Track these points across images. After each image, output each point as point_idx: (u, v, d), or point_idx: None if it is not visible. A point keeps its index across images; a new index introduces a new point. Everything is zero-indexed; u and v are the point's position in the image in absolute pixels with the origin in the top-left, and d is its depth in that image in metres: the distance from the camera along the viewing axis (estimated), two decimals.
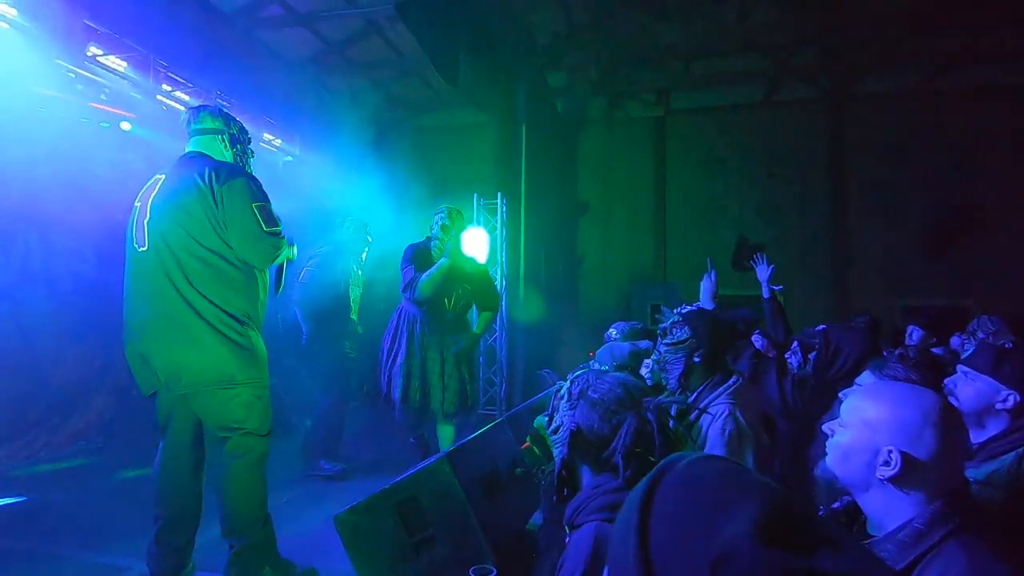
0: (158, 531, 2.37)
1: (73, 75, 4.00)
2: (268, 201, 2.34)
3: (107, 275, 4.71)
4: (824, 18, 6.79)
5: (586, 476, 1.42)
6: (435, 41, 4.11)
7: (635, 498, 0.57)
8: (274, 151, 6.05)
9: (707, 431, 1.75)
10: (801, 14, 6.75)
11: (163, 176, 2.36)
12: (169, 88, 4.75)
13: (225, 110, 2.55)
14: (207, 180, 2.25)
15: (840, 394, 1.57)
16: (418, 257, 3.56)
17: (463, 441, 2.73)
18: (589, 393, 1.38)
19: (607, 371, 1.47)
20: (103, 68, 4.23)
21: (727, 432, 1.76)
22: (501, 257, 5.99)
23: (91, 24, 4.01)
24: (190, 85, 4.85)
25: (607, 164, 8.37)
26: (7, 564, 2.71)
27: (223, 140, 2.44)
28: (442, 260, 3.48)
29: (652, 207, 8.30)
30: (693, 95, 8.16)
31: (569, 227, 8.10)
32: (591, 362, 2.71)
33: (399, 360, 3.57)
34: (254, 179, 2.36)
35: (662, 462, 0.60)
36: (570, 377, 1.54)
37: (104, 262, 4.73)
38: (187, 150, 2.42)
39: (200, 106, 2.55)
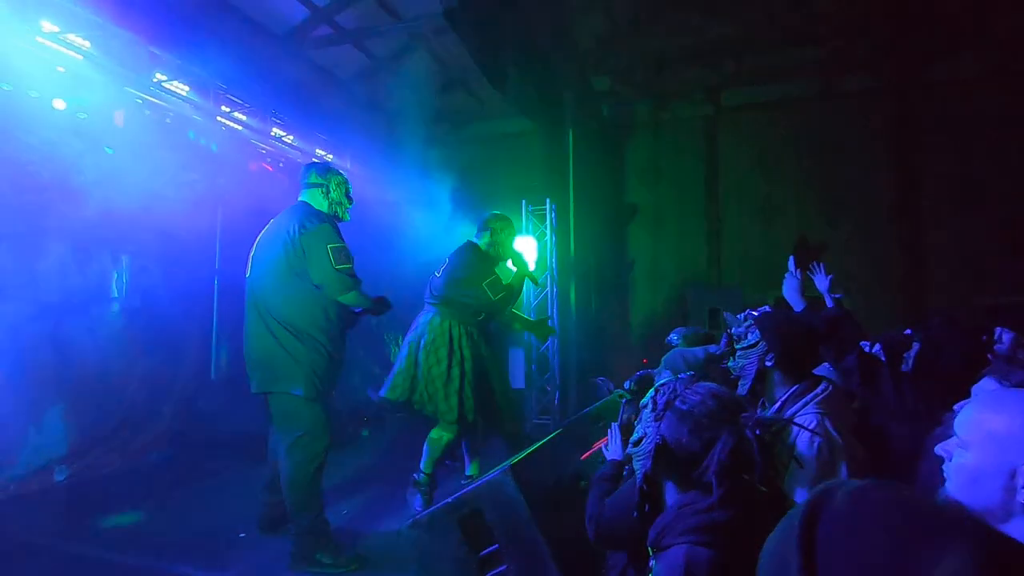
0: (264, 484, 3.19)
1: (141, 100, 4.20)
2: (343, 244, 2.90)
3: (172, 292, 4.93)
4: (885, 2, 6.45)
5: (671, 493, 1.32)
6: (483, 49, 4.09)
7: (789, 535, 0.48)
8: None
9: (794, 444, 1.61)
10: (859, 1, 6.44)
11: (273, 220, 3.06)
12: (227, 109, 4.93)
13: (332, 167, 3.16)
14: (295, 230, 2.86)
15: (955, 407, 1.41)
16: (488, 265, 3.44)
17: (525, 453, 2.66)
18: (677, 404, 1.28)
19: (695, 379, 1.36)
20: (167, 93, 4.42)
21: (816, 445, 1.61)
22: (551, 263, 5.91)
23: (156, 51, 4.20)
24: (247, 105, 5.02)
25: (656, 166, 8.18)
26: (84, 572, 2.80)
27: (323, 192, 3.05)
28: (517, 271, 3.51)
29: (704, 209, 8.03)
30: (745, 91, 7.87)
31: (618, 232, 7.94)
32: (659, 369, 2.59)
33: (464, 378, 3.33)
34: (335, 226, 2.95)
35: (817, 490, 0.51)
36: (657, 382, 1.45)
37: (170, 280, 4.94)
38: (298, 199, 3.08)
39: (310, 164, 3.30)
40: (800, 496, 1.54)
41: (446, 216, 5.77)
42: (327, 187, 3.05)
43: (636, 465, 1.47)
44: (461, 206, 5.92)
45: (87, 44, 3.76)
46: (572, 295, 5.91)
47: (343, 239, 2.93)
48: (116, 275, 4.42)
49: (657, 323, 7.69)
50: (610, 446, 2.04)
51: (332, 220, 3.00)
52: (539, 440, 3.23)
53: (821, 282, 2.75)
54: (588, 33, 6.96)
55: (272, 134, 5.41)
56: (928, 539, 0.41)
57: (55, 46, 3.62)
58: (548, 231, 5.98)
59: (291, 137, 5.70)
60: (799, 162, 7.70)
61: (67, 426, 4.18)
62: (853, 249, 7.19)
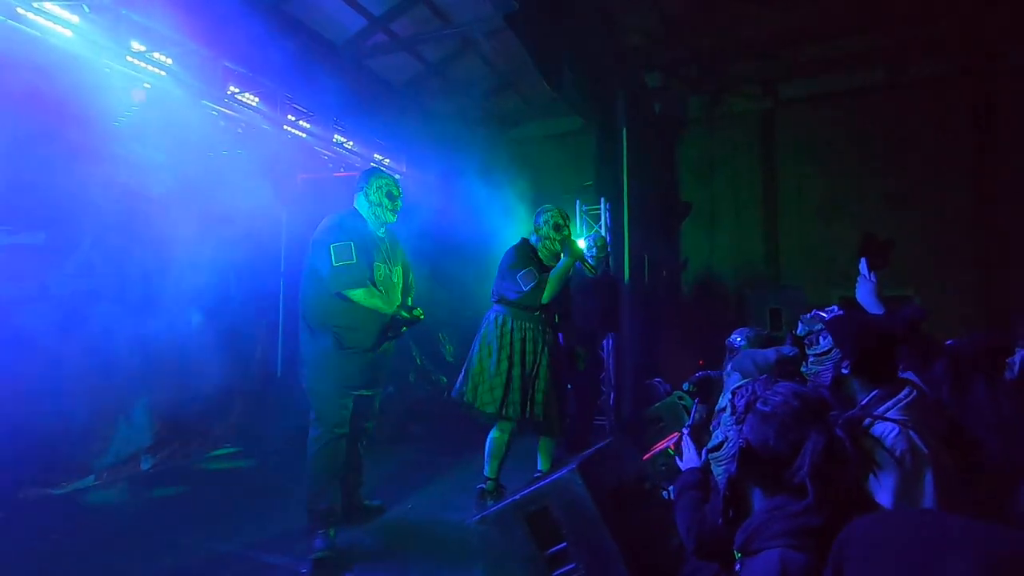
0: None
1: (216, 112, 4.44)
2: (347, 242, 2.98)
3: (243, 295, 5.20)
4: None
5: (757, 497, 1.31)
6: (542, 51, 4.12)
7: None
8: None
9: (878, 446, 1.56)
10: None
11: None
12: (293, 118, 5.15)
13: (376, 171, 3.30)
14: (317, 229, 3.07)
15: None
16: (526, 258, 3.43)
17: (589, 452, 2.68)
18: (758, 406, 1.27)
19: (772, 380, 1.34)
20: (239, 104, 4.66)
21: (899, 451, 1.56)
22: (607, 263, 5.88)
23: (229, 66, 4.44)
24: (310, 113, 5.23)
25: (709, 163, 8.00)
26: (166, 554, 3.00)
27: (364, 195, 3.18)
28: (564, 259, 3.37)
29: (760, 206, 7.80)
30: (804, 83, 7.59)
31: (672, 231, 7.81)
32: (727, 372, 2.55)
33: (511, 372, 3.34)
34: (345, 224, 3.06)
35: (845, 530, 0.51)
36: (728, 387, 1.44)
37: (241, 283, 5.22)
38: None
39: (363, 170, 3.38)
40: (883, 500, 1.49)
41: (502, 217, 5.84)
42: (367, 191, 3.17)
43: (717, 470, 1.46)
44: (516, 207, 5.98)
45: (169, 61, 4.02)
46: (626, 294, 5.86)
47: (352, 237, 3.01)
48: (194, 278, 4.68)
49: (713, 324, 7.52)
50: (684, 454, 2.03)
51: (350, 218, 3.11)
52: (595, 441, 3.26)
53: (865, 288, 2.52)
54: (638, 29, 6.88)
55: (334, 140, 5.63)
56: (940, 550, 0.42)
57: (142, 64, 3.88)
58: (603, 230, 5.96)
59: (351, 143, 5.90)
60: (863, 155, 7.36)
61: (151, 418, 4.48)
62: (923, 247, 6.83)
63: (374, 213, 3.17)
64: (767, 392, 1.30)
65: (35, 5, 3.27)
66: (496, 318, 3.42)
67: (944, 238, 6.90)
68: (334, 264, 2.93)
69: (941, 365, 1.92)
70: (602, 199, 6.02)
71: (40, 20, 3.32)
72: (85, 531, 3.25)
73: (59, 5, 3.33)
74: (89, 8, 3.47)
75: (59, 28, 3.42)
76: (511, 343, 3.36)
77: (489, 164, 7.43)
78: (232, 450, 5.02)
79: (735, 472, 1.29)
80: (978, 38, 6.69)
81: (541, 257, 3.50)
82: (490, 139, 8.13)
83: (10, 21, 3.19)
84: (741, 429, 1.29)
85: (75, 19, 3.47)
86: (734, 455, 1.29)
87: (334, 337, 3.01)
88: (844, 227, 7.25)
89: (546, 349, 3.43)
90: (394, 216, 3.23)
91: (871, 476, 1.48)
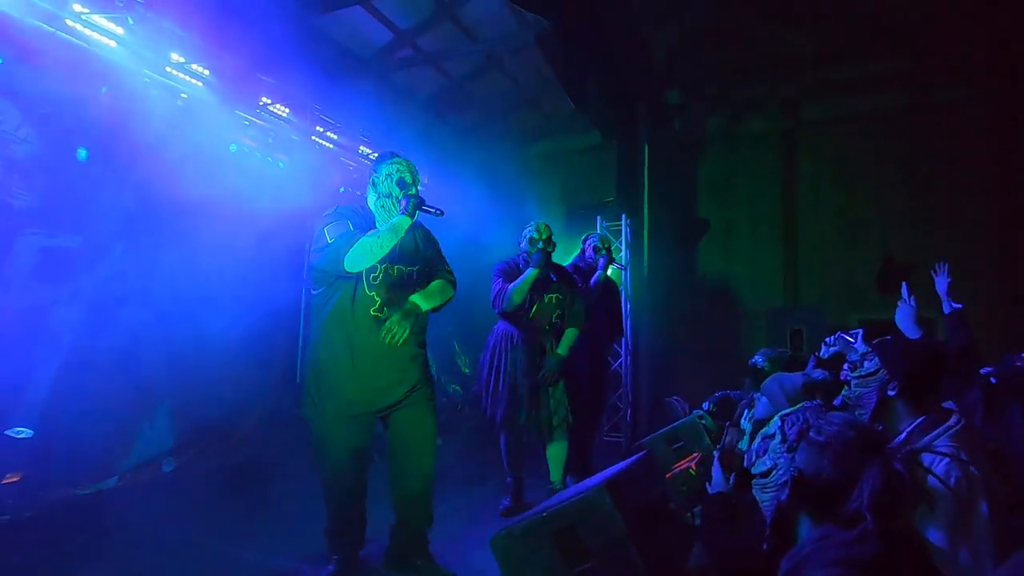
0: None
1: (247, 122, 4.53)
2: (333, 222, 2.55)
3: (265, 303, 5.25)
4: (980, 10, 6.08)
5: (805, 525, 1.31)
6: (568, 71, 4.19)
7: None
8: None
9: (929, 478, 1.55)
10: (954, 9, 6.11)
11: None
12: (321, 129, 5.24)
13: (389, 156, 2.75)
14: None
15: None
16: (507, 271, 3.72)
17: (615, 470, 2.66)
18: (812, 435, 1.27)
19: (824, 408, 1.35)
20: (270, 114, 4.75)
21: (953, 479, 1.54)
22: (625, 280, 5.89)
23: (263, 77, 4.54)
24: (338, 124, 5.32)
25: (729, 182, 7.99)
26: (185, 557, 3.02)
27: (373, 187, 2.71)
28: (529, 270, 3.59)
29: (780, 226, 7.77)
30: (826, 104, 7.60)
31: (691, 249, 7.81)
32: (756, 395, 2.54)
33: (500, 381, 3.68)
34: (337, 210, 2.63)
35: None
36: (779, 413, 1.44)
37: (263, 291, 5.27)
38: None
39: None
40: (934, 536, 1.48)
41: (520, 231, 5.86)
42: (375, 180, 2.69)
43: (764, 496, 1.46)
44: (535, 220, 6.00)
45: (207, 72, 4.12)
46: (646, 313, 5.86)
47: (336, 219, 2.57)
48: (219, 285, 4.75)
49: (730, 342, 7.48)
50: (713, 478, 2.02)
51: (349, 208, 2.67)
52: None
53: (941, 283, 2.67)
54: (660, 45, 6.94)
55: (360, 151, 5.71)
56: None
57: (180, 74, 3.98)
58: (623, 247, 5.98)
59: (376, 155, 5.97)
60: (884, 178, 7.34)
61: (173, 422, 4.53)
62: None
63: (383, 206, 2.66)
64: (820, 421, 1.30)
65: (83, 17, 3.37)
66: (496, 329, 3.81)
67: (967, 260, 6.83)
68: (329, 241, 2.48)
69: (976, 392, 1.90)
70: (623, 215, 6.04)
71: (87, 32, 3.43)
72: (107, 533, 3.27)
73: (107, 17, 3.43)
74: (133, 20, 3.57)
75: (104, 39, 3.52)
76: (506, 350, 3.68)
77: (509, 178, 7.49)
78: (251, 454, 5.04)
79: (786, 500, 1.29)
80: (999, 63, 6.68)
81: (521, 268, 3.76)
82: (511, 153, 8.20)
83: (60, 33, 3.29)
84: (793, 457, 1.29)
85: (120, 31, 3.57)
86: (785, 483, 1.29)
87: (325, 350, 2.63)
88: (864, 249, 7.22)
89: (544, 356, 3.69)
90: (403, 208, 2.63)
91: (924, 507, 1.46)
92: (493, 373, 3.70)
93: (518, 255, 3.85)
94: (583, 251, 4.00)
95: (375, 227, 2.59)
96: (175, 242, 4.44)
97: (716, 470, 2.02)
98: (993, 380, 2.00)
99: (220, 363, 5.01)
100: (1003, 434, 1.83)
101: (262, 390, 5.40)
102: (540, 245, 3.70)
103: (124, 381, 4.10)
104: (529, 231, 3.83)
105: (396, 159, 2.70)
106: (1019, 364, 2.23)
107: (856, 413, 1.88)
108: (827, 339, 3.28)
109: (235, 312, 5.06)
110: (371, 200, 2.70)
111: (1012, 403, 1.89)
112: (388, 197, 2.64)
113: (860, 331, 2.92)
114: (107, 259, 4.03)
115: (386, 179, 2.63)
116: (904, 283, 2.41)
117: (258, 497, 4.05)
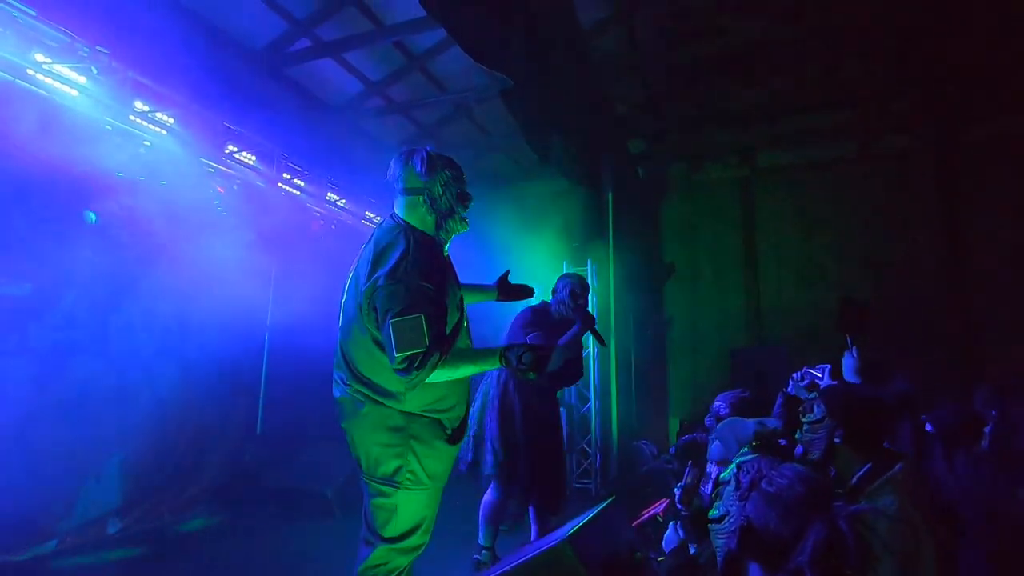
0: None
1: (212, 170, 4.52)
2: (417, 315, 1.74)
3: (225, 348, 5.11)
4: (921, 67, 6.56)
5: (754, 573, 1.31)
6: (531, 125, 4.32)
7: None
8: (374, 227, 6.49)
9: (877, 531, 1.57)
10: (893, 65, 6.58)
11: (364, 245, 2.07)
12: (288, 176, 5.25)
13: (434, 156, 2.02)
14: (364, 275, 1.88)
15: None
16: (542, 322, 3.37)
17: (579, 521, 2.61)
18: (763, 486, 1.28)
19: (778, 460, 1.36)
20: (236, 162, 4.76)
21: (897, 531, 1.56)
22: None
23: (229, 126, 4.56)
24: (305, 172, 5.35)
25: (691, 227, 8.27)
26: None
27: (424, 201, 1.96)
28: (576, 327, 3.32)
29: (742, 269, 8.03)
30: (780, 153, 8.00)
31: (656, 292, 7.96)
32: (710, 437, 2.56)
33: (495, 433, 3.36)
34: (411, 273, 1.81)
35: None
36: (736, 461, 1.45)
37: (224, 336, 5.14)
38: (393, 210, 2.05)
39: (400, 153, 2.03)
40: None
41: (489, 275, 5.89)
42: (429, 192, 1.97)
43: (717, 542, 1.46)
44: (504, 264, 6.06)
45: (171, 120, 4.12)
46: (613, 356, 5.89)
47: (427, 300, 1.79)
48: (177, 333, 4.61)
49: (698, 383, 7.56)
50: (666, 534, 2.00)
51: (416, 252, 1.88)
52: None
53: (849, 364, 2.48)
54: (623, 100, 7.26)
55: (327, 198, 5.72)
56: None
57: (143, 123, 3.98)
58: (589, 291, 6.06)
59: (343, 200, 6.00)
60: (839, 222, 7.69)
61: (123, 477, 4.30)
62: (898, 312, 7.02)
63: (444, 227, 2.03)
64: (773, 472, 1.32)
65: (45, 67, 3.36)
66: (499, 377, 3.38)
67: (918, 303, 7.12)
68: (395, 354, 1.74)
69: (906, 438, 1.96)
70: (588, 260, 6.14)
71: (48, 80, 3.41)
72: None
73: (68, 67, 3.43)
74: (97, 70, 3.57)
75: (66, 88, 3.51)
76: (511, 404, 3.32)
77: (474, 222, 7.56)
78: (207, 511, 4.80)
79: (735, 548, 1.29)
80: (940, 115, 7.17)
81: (554, 321, 3.48)
82: (480, 198, 8.30)
83: (19, 81, 3.27)
84: (744, 506, 1.30)
85: (82, 80, 3.57)
86: (735, 531, 1.29)
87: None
88: (824, 291, 7.46)
89: (546, 415, 3.43)
90: (467, 226, 2.13)
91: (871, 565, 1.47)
92: (507, 426, 3.30)
93: (544, 303, 3.52)
94: (556, 291, 3.65)
95: (443, 259, 2.12)
96: (132, 290, 4.33)
97: (669, 529, 2.02)
98: (928, 427, 2.06)
99: (176, 413, 4.82)
100: (942, 477, 1.88)
101: (222, 442, 5.18)
102: (581, 301, 3.44)
103: (71, 433, 3.90)
104: (572, 284, 3.47)
105: (452, 160, 2.12)
106: (955, 410, 2.31)
107: (810, 456, 1.92)
108: (794, 375, 3.31)
109: (193, 361, 4.92)
110: (426, 221, 2.04)
111: (947, 448, 1.95)
112: (450, 216, 2.07)
113: (827, 367, 2.96)
114: (58, 307, 3.89)
115: (445, 189, 2.04)
116: (848, 336, 2.47)
117: (209, 558, 3.82)
